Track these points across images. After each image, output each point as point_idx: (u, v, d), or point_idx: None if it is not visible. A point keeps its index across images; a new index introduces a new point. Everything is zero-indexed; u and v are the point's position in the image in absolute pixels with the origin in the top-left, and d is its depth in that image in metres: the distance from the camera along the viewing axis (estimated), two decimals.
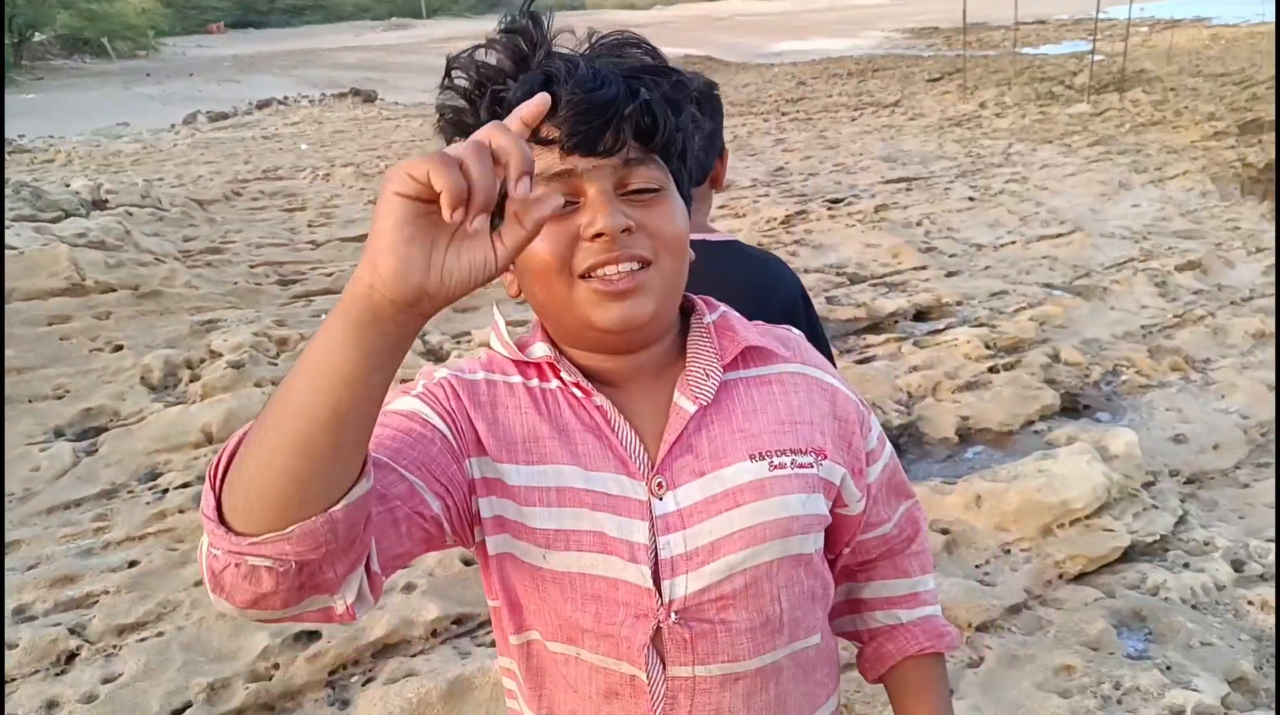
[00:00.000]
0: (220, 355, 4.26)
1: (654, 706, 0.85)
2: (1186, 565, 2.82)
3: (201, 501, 0.67)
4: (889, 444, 1.00)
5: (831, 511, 0.92)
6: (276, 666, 2.48)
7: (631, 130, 0.78)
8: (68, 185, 7.39)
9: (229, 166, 10.76)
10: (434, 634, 2.63)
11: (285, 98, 19.68)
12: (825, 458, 0.89)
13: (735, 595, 0.84)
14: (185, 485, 3.36)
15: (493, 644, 2.59)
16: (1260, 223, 6.78)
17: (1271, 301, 5.17)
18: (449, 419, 0.84)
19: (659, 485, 0.84)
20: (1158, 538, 2.93)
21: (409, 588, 2.79)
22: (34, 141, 14.08)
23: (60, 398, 4.06)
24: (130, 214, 6.78)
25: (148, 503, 3.27)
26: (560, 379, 0.86)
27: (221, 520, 0.65)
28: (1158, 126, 10.54)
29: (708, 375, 0.87)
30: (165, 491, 3.33)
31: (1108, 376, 4.26)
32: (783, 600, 0.87)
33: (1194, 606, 2.65)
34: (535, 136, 0.76)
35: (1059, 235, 6.47)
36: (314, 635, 2.59)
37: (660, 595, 0.83)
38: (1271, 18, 25.49)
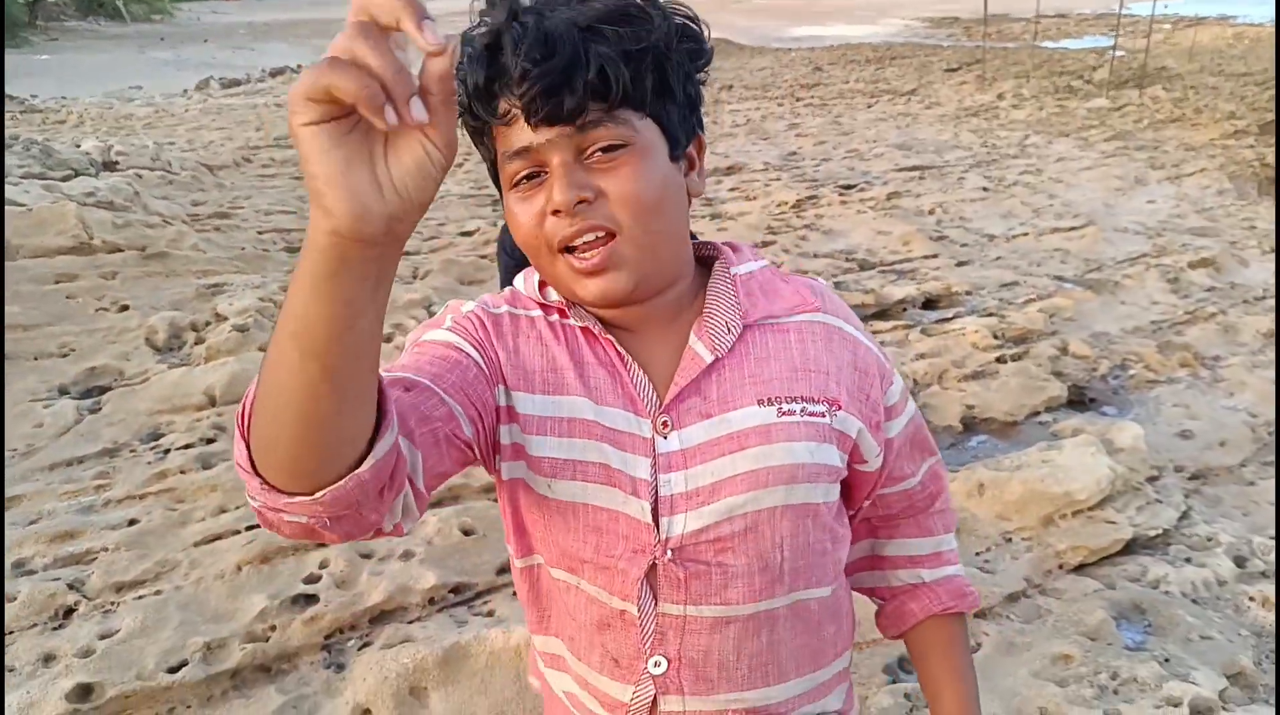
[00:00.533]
0: (226, 318, 4.26)
1: (643, 641, 0.87)
2: (1188, 560, 2.81)
3: (235, 451, 0.66)
4: (912, 400, 0.98)
5: (849, 466, 0.91)
6: (273, 628, 2.48)
7: (587, 94, 0.75)
8: (78, 145, 7.38)
9: (240, 133, 10.72)
10: (431, 601, 2.63)
11: (299, 66, 19.59)
12: (840, 408, 0.87)
13: (734, 538, 0.84)
14: (187, 446, 3.36)
15: (490, 614, 2.60)
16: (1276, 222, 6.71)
17: None
18: (480, 349, 0.86)
19: (664, 424, 0.84)
20: (1160, 532, 2.92)
21: (407, 555, 2.79)
22: (46, 102, 14.05)
23: (65, 356, 4.06)
24: (140, 176, 6.76)
25: (149, 463, 3.27)
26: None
27: (256, 470, 0.64)
28: (1177, 123, 10.43)
29: (729, 329, 0.85)
30: (167, 452, 3.34)
31: (1116, 371, 4.23)
32: (785, 549, 0.86)
33: (1194, 601, 2.63)
34: (493, 115, 0.77)
35: (1072, 228, 6.42)
36: (311, 599, 2.59)
37: (658, 531, 0.84)
38: None
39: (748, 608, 0.86)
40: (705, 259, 0.93)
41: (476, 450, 0.83)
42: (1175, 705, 2.17)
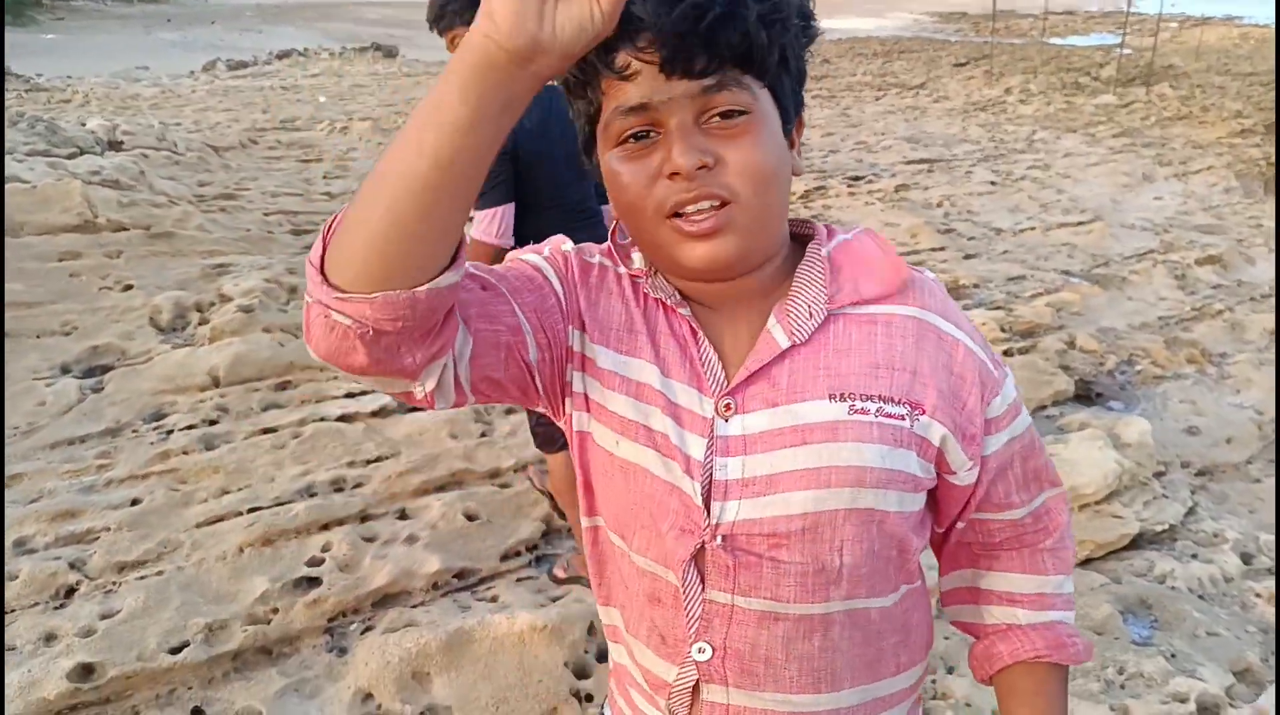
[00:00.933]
0: (230, 299, 4.24)
1: (689, 625, 0.84)
2: (1195, 556, 2.80)
3: (311, 252, 0.70)
4: (1027, 422, 0.88)
5: (938, 475, 0.84)
6: (275, 611, 2.47)
7: (719, 50, 0.72)
8: (83, 124, 7.34)
9: (247, 115, 10.68)
10: (435, 586, 2.63)
11: (306, 49, 19.52)
12: (923, 413, 0.80)
13: (790, 536, 0.80)
14: (190, 427, 3.35)
15: (493, 599, 2.59)
16: None
17: None
18: (564, 284, 0.85)
19: (727, 406, 0.80)
20: (1167, 527, 2.90)
21: (411, 540, 2.78)
22: (51, 81, 13.99)
23: (68, 334, 4.04)
24: (146, 156, 6.72)
25: (152, 443, 3.26)
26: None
27: (322, 270, 0.69)
28: (1184, 121, 10.39)
29: (811, 313, 0.81)
30: (170, 432, 3.32)
31: (1123, 366, 4.21)
32: (845, 553, 0.81)
33: (1201, 596, 2.62)
34: (610, 67, 0.74)
35: (1079, 223, 6.39)
36: (314, 581, 2.58)
37: (709, 515, 0.80)
38: None
39: (799, 608, 0.82)
40: (799, 237, 0.88)
41: (539, 380, 0.83)
42: (1182, 701, 2.16)
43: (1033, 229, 6.35)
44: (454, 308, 0.73)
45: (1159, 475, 3.22)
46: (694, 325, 0.83)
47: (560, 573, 2.73)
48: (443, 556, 2.69)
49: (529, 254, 0.87)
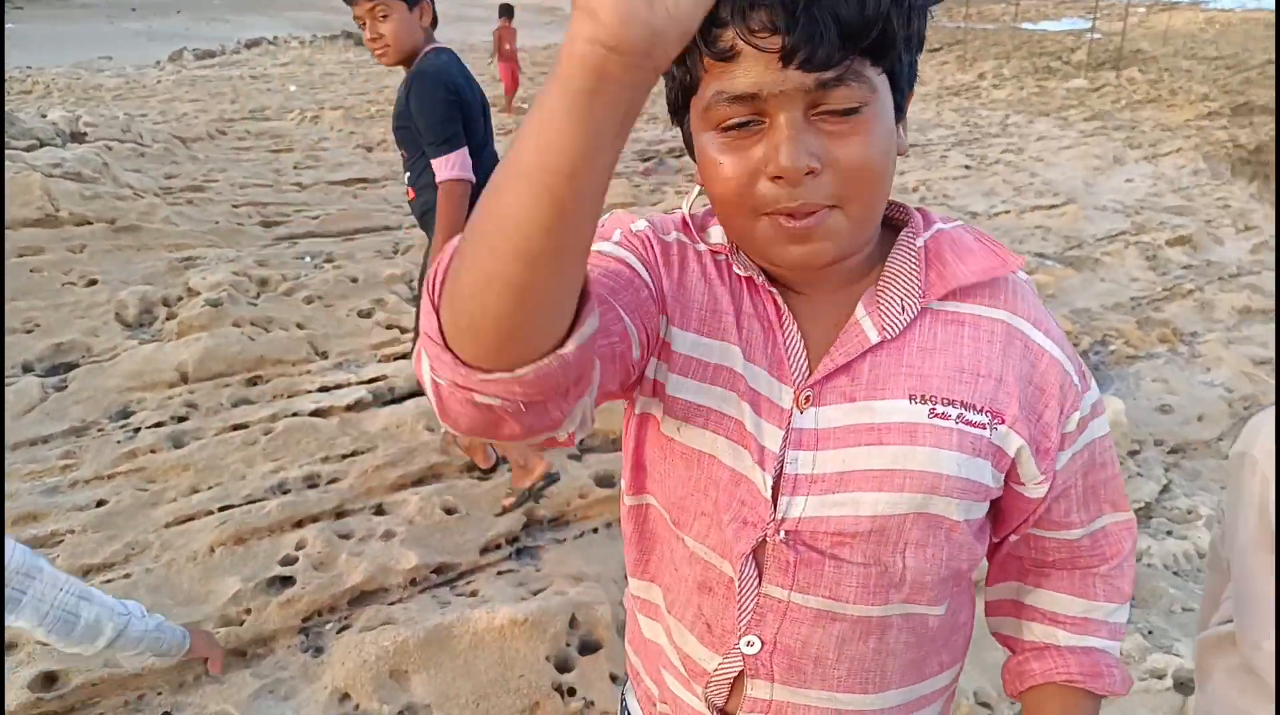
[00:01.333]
0: (198, 293, 4.16)
1: (740, 617, 0.81)
2: (1169, 532, 2.82)
3: (423, 322, 0.60)
4: (1095, 437, 0.82)
5: (1006, 484, 0.80)
6: (248, 611, 2.42)
7: (847, 41, 0.63)
8: (44, 116, 7.18)
9: (215, 105, 10.51)
10: (413, 582, 2.59)
11: (275, 38, 19.25)
12: (1003, 423, 0.75)
13: (857, 536, 0.76)
14: (158, 424, 3.28)
15: (473, 594, 2.56)
16: (1249, 202, 6.76)
17: (1258, 278, 5.16)
18: (650, 271, 0.79)
19: (805, 398, 0.76)
20: (1142, 505, 2.92)
21: (388, 535, 2.74)
22: (10, 71, 13.69)
23: (30, 332, 3.94)
24: (110, 148, 6.59)
25: (119, 441, 3.18)
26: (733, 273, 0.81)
27: (446, 345, 0.58)
28: (1153, 104, 10.48)
29: (904, 308, 0.76)
30: (137, 430, 3.25)
31: (1096, 346, 4.24)
32: (908, 557, 0.78)
33: (1176, 573, 2.64)
34: (714, 47, 0.65)
35: (1053, 206, 6.43)
36: (288, 581, 2.54)
37: (775, 509, 0.77)
38: (1266, 4, 25.41)
39: (857, 608, 0.79)
40: (893, 221, 0.82)
41: (636, 374, 0.77)
42: (1159, 677, 2.17)
43: (1007, 212, 6.37)
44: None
45: (1133, 454, 3.25)
46: (780, 306, 0.78)
47: (508, 502, 2.89)
48: (421, 552, 2.65)
49: (602, 245, 0.78)
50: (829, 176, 0.67)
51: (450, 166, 2.50)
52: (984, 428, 0.75)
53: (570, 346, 0.58)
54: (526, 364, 0.57)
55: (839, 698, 0.83)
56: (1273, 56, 13.55)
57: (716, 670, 0.84)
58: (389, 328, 4.12)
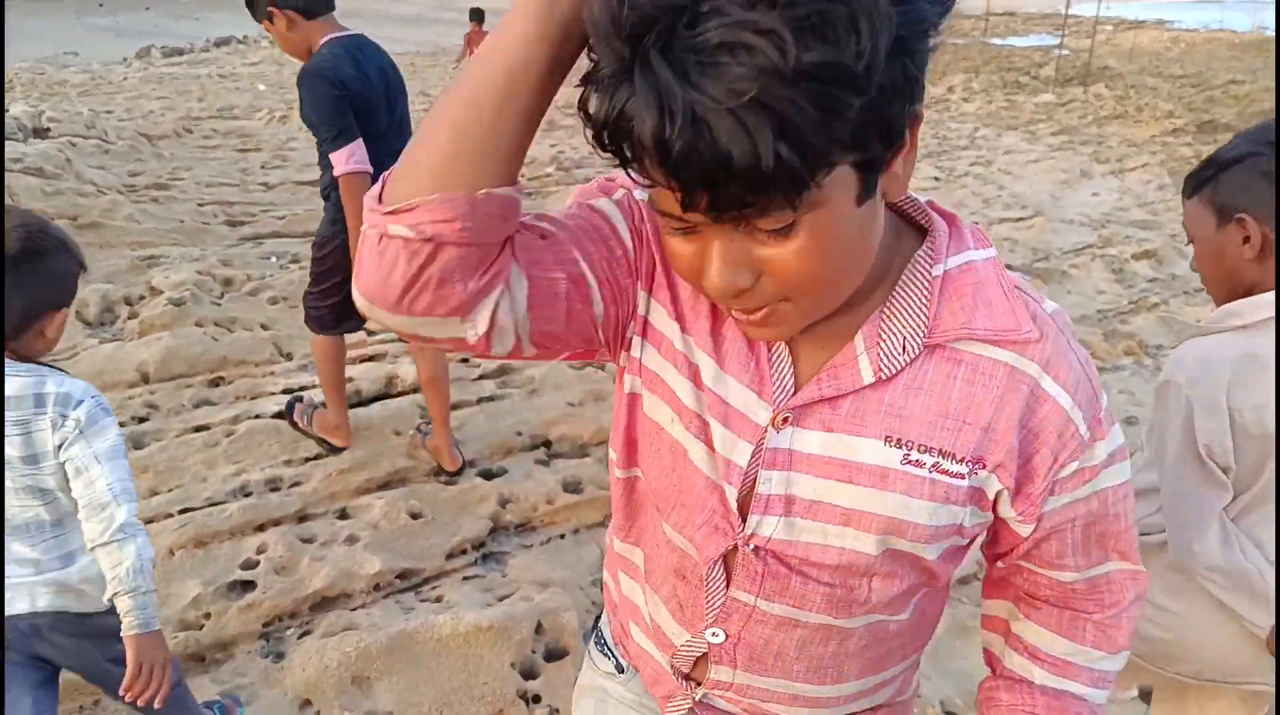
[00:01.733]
0: (161, 292, 4.09)
1: (708, 611, 0.84)
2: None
3: (366, 199, 0.68)
4: (1119, 489, 0.77)
5: (995, 514, 0.77)
6: (208, 616, 2.37)
7: (754, 190, 0.55)
8: (5, 110, 7.03)
9: (182, 103, 10.36)
10: (376, 587, 2.55)
11: (245, 36, 19.03)
12: (984, 468, 0.72)
13: (822, 565, 0.76)
14: (120, 425, 3.20)
15: (438, 600, 2.52)
16: None
17: None
18: (637, 238, 0.77)
19: (784, 420, 0.74)
20: None
21: (351, 540, 2.69)
22: None
23: None
24: (73, 144, 6.47)
25: None
26: None
27: (381, 200, 0.67)
28: (1119, 120, 10.66)
29: (905, 348, 0.71)
30: None
31: None
32: (874, 584, 0.78)
33: None
34: (629, 163, 0.59)
35: (1020, 219, 6.50)
36: (248, 585, 2.49)
37: (745, 524, 0.77)
38: (1229, 25, 26.00)
39: (821, 618, 0.80)
40: (910, 227, 0.75)
41: (602, 334, 0.77)
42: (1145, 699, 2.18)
43: (975, 224, 6.42)
44: (510, 240, 0.69)
45: None
46: None
47: (299, 421, 3.07)
48: (385, 556, 2.61)
49: (598, 200, 0.77)
50: (769, 283, 0.64)
51: (344, 160, 2.57)
52: (962, 477, 0.72)
53: (481, 191, 0.64)
54: (437, 193, 0.64)
55: (797, 685, 0.86)
56: (1235, 76, 13.86)
57: (683, 646, 0.88)
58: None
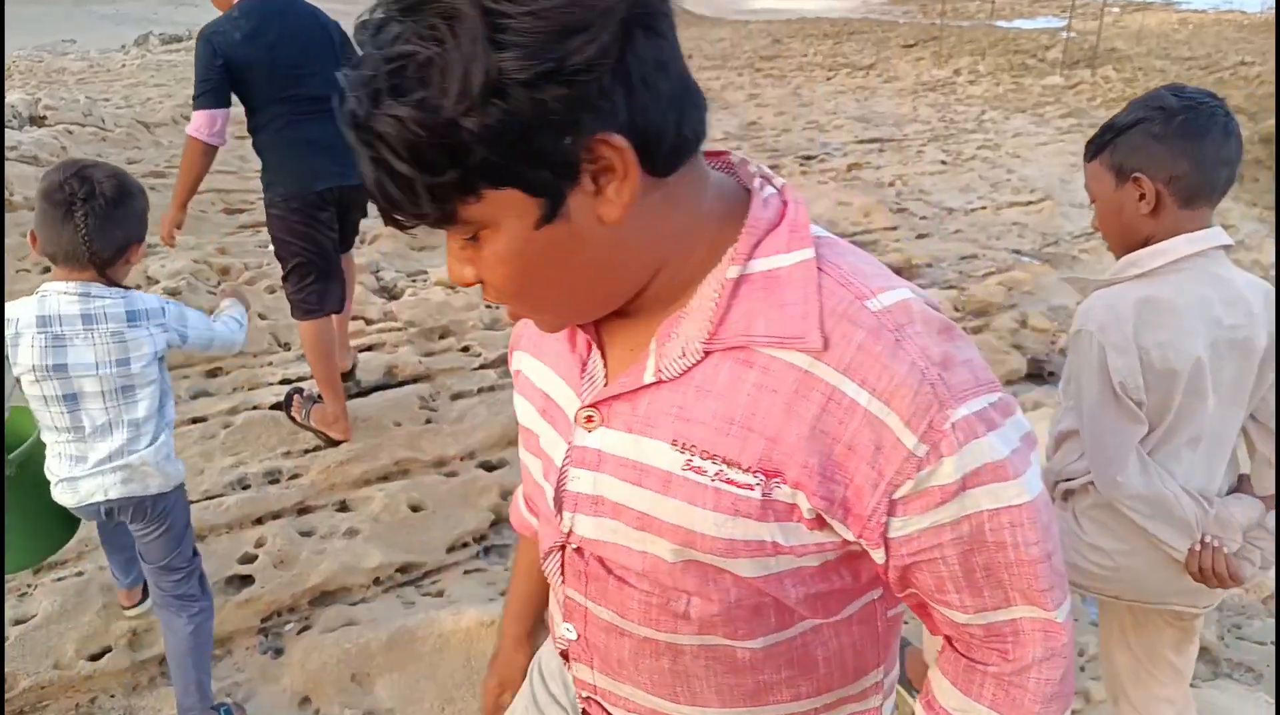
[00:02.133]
0: (156, 282, 4.04)
1: (560, 604, 0.86)
2: None
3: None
4: (1000, 515, 0.67)
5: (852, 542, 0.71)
6: None
7: (394, 211, 0.66)
8: (3, 98, 6.97)
9: (181, 90, 10.25)
10: (377, 581, 2.50)
11: None
12: (784, 482, 0.67)
13: (629, 569, 0.76)
14: None
15: (439, 594, 2.48)
16: (1224, 200, 6.79)
17: None
18: None
19: (588, 418, 0.75)
20: None
21: (351, 533, 2.65)
22: None
23: None
24: (70, 132, 6.40)
25: None
26: None
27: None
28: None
29: (684, 352, 0.70)
30: None
31: None
32: (693, 603, 0.74)
33: None
34: None
35: (1029, 203, 6.42)
36: (247, 580, 2.45)
37: (561, 521, 0.79)
38: (1238, 5, 25.75)
39: (644, 630, 0.78)
40: (737, 206, 0.72)
41: None
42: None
43: (984, 208, 6.36)
44: None
45: None
46: (585, 324, 0.77)
47: (296, 414, 3.05)
48: (385, 550, 2.56)
49: None
50: (490, 287, 0.70)
51: (194, 123, 2.69)
52: (752, 488, 0.68)
53: None
54: None
55: (653, 699, 0.83)
56: (1244, 58, 13.71)
57: (559, 637, 0.90)
58: (354, 319, 4.01)
